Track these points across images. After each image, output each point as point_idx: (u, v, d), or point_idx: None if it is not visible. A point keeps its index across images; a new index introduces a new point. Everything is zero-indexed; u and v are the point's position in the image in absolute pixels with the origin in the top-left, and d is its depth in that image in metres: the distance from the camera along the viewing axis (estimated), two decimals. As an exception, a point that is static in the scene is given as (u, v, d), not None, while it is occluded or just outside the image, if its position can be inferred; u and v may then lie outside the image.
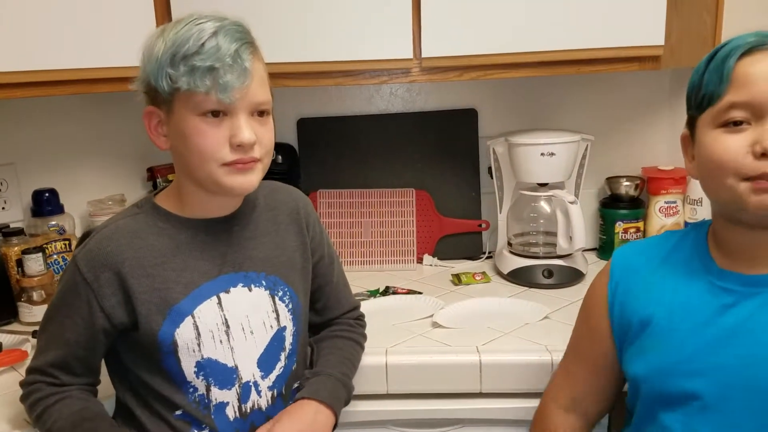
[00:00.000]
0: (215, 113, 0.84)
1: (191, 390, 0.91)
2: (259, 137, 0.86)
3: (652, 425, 0.88)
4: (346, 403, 1.02)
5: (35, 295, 1.36)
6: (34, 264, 1.35)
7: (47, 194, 1.48)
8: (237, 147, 0.85)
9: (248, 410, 0.94)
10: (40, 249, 1.38)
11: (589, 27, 1.28)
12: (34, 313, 1.36)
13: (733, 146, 0.77)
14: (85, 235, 0.92)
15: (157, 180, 1.63)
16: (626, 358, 0.91)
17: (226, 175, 0.86)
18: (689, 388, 0.82)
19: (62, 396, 0.91)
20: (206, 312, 0.91)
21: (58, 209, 1.50)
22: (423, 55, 1.31)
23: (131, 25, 1.25)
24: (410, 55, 1.31)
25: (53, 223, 1.49)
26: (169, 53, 0.82)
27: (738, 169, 0.76)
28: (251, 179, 0.88)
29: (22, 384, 0.94)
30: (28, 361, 1.02)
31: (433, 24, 1.29)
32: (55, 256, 1.45)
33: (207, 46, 0.81)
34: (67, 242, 1.48)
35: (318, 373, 1.01)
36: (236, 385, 0.93)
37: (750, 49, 0.77)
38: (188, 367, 0.90)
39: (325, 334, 1.09)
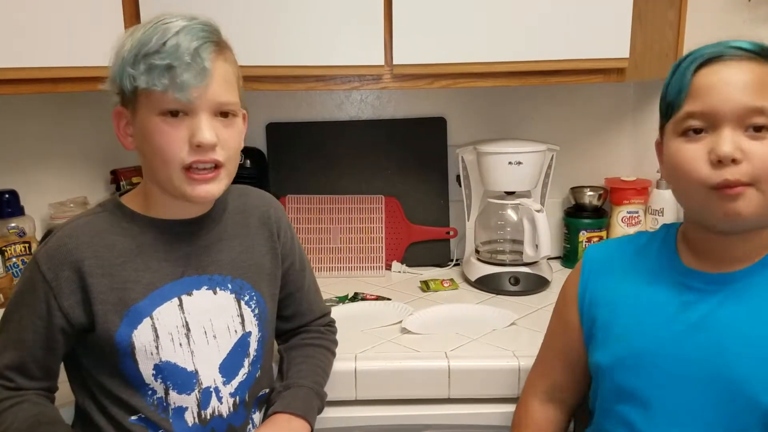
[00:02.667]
0: (174, 113, 0.83)
1: (149, 392, 0.90)
2: (222, 139, 0.85)
3: (611, 420, 0.90)
4: (320, 412, 1.02)
5: (-8, 299, 1.32)
6: (-8, 267, 1.31)
7: (7, 195, 1.44)
8: (196, 147, 0.83)
9: (208, 416, 0.93)
10: (-1, 252, 1.34)
11: (556, 39, 1.31)
12: (-10, 317, 1.31)
13: (691, 154, 0.79)
14: (47, 234, 0.90)
15: (121, 183, 1.60)
16: (590, 350, 0.93)
17: (187, 183, 0.85)
18: (648, 381, 0.84)
19: (18, 400, 0.88)
20: (166, 314, 0.89)
21: (18, 211, 1.46)
22: (394, 62, 1.32)
23: (98, 24, 1.22)
24: (382, 62, 1.32)
25: (13, 225, 1.44)
26: (132, 52, 0.82)
27: (701, 179, 0.78)
28: (213, 189, 0.86)
29: None
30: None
31: (404, 32, 1.30)
32: (14, 259, 1.41)
33: (168, 44, 0.81)
34: (26, 245, 1.44)
35: (290, 386, 1.00)
36: (196, 390, 0.91)
37: (707, 60, 0.79)
38: (146, 370, 0.88)
39: (295, 342, 1.08)
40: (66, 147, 1.59)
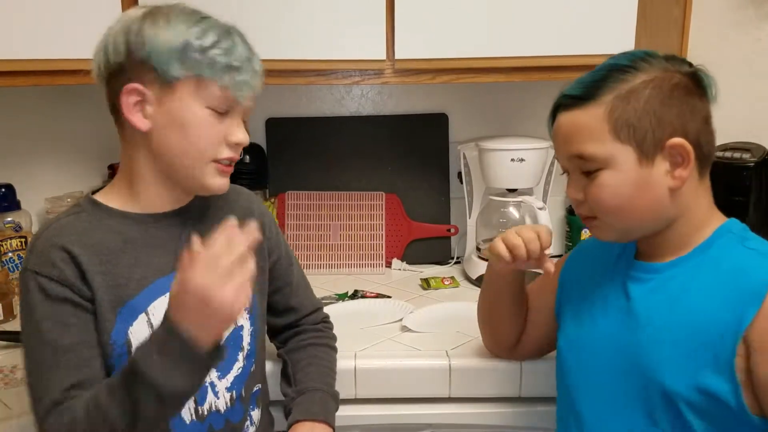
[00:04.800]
0: (221, 110, 0.85)
1: None
2: None
3: (563, 398, 0.97)
4: (335, 412, 1.01)
5: (-12, 295, 1.31)
6: (-12, 262, 1.30)
7: (3, 190, 1.44)
8: (234, 145, 0.87)
9: (205, 412, 0.91)
10: (-6, 246, 1.33)
11: (560, 35, 1.30)
12: (-14, 312, 1.30)
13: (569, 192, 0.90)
14: (31, 248, 0.86)
15: (120, 178, 1.59)
16: (558, 329, 0.99)
17: (213, 174, 0.87)
18: (584, 362, 0.91)
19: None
20: (160, 309, 0.87)
21: (15, 205, 1.45)
22: (396, 57, 1.31)
23: (97, 15, 1.20)
24: (383, 56, 1.31)
25: (9, 219, 1.43)
26: (181, 39, 0.81)
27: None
28: (228, 182, 0.90)
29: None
30: None
31: (406, 26, 1.29)
32: (10, 254, 1.40)
33: (224, 43, 0.83)
34: (22, 239, 1.43)
35: (303, 391, 0.99)
36: None
37: (553, 111, 0.88)
38: None
39: (296, 344, 1.07)
40: (63, 141, 1.58)
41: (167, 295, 0.86)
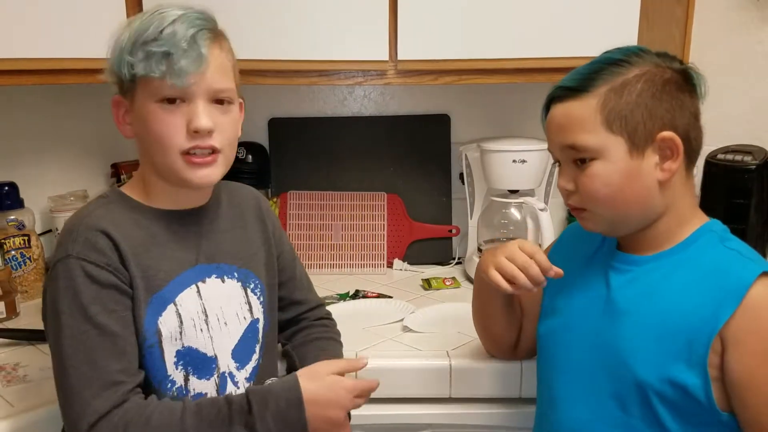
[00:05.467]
0: (171, 100, 0.84)
1: (169, 385, 0.89)
2: (219, 126, 0.86)
3: (542, 386, 0.98)
4: None
5: (-9, 292, 1.31)
6: (-9, 260, 1.31)
7: (7, 188, 1.43)
8: (194, 133, 0.84)
9: None
10: (-2, 244, 1.33)
11: (563, 36, 1.30)
12: (-11, 310, 1.31)
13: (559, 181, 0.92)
14: (69, 235, 0.85)
15: (122, 176, 1.59)
16: (540, 315, 1.01)
17: (186, 167, 0.86)
18: (563, 349, 0.93)
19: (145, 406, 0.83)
20: (187, 300, 0.89)
21: (18, 204, 1.45)
22: (399, 58, 1.31)
23: (100, 14, 1.21)
24: (386, 57, 1.31)
25: (12, 217, 1.43)
26: (130, 41, 0.83)
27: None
28: (210, 173, 0.88)
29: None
30: None
31: (409, 27, 1.29)
32: (13, 252, 1.40)
33: (165, 32, 0.82)
34: (25, 238, 1.43)
35: None
36: (215, 375, 0.92)
37: (548, 103, 0.88)
38: (170, 358, 0.88)
39: (303, 338, 1.07)
40: (66, 140, 1.58)
41: (192, 287, 0.90)
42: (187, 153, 0.85)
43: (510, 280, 0.90)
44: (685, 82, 0.84)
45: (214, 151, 0.86)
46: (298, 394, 0.84)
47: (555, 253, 1.04)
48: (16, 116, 1.50)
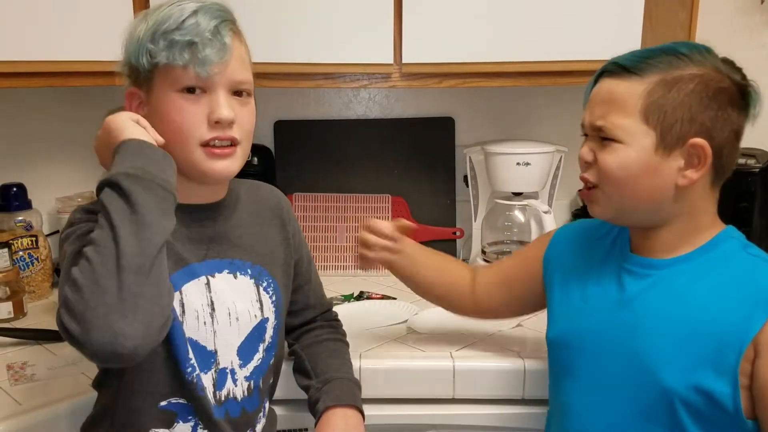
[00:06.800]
0: (192, 89, 0.83)
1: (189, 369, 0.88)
2: (239, 118, 0.86)
3: (557, 393, 0.97)
4: (361, 399, 1.02)
5: (0, 292, 1.33)
6: (0, 260, 1.31)
7: (15, 189, 1.45)
8: (215, 124, 0.84)
9: (222, 398, 0.92)
10: (6, 245, 1.34)
11: (566, 40, 1.31)
12: (-2, 309, 1.32)
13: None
14: (75, 209, 0.87)
15: (129, 178, 1.60)
16: (547, 321, 0.99)
17: (205, 159, 0.85)
18: (578, 357, 0.91)
19: None
20: (193, 291, 0.89)
21: (26, 205, 1.46)
22: (403, 61, 1.32)
23: (109, 17, 1.22)
24: (391, 60, 1.32)
25: (20, 218, 1.45)
26: (150, 31, 0.83)
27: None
28: (230, 165, 0.87)
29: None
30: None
31: (414, 30, 1.30)
32: (21, 253, 1.41)
33: (187, 22, 0.82)
34: (33, 238, 1.44)
35: (328, 380, 1.00)
36: (212, 370, 0.91)
37: (600, 75, 0.86)
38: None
39: (311, 339, 1.08)
40: (74, 141, 1.59)
41: (200, 279, 0.90)
42: (206, 144, 0.85)
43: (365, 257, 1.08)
44: (739, 97, 0.81)
45: (233, 143, 0.86)
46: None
47: (558, 246, 1.02)
48: (25, 118, 1.52)
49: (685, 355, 0.80)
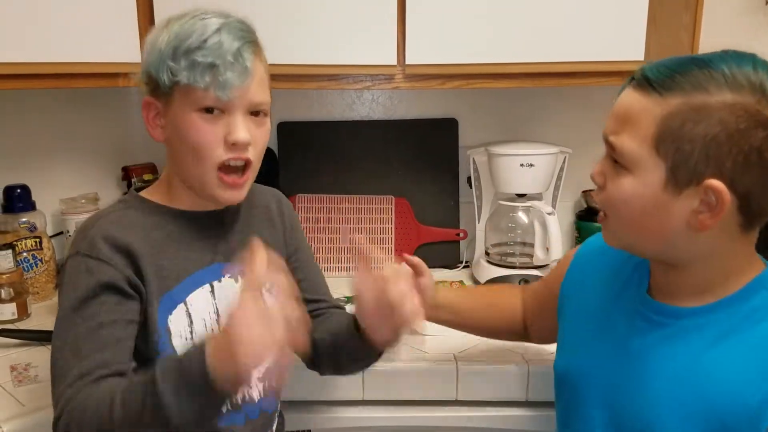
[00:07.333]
0: (210, 110, 0.84)
1: None
2: (254, 138, 0.86)
3: (576, 417, 0.90)
4: None
5: (3, 293, 1.32)
6: (4, 261, 1.32)
7: (19, 190, 1.45)
8: (231, 146, 0.85)
9: (239, 401, 0.93)
10: (10, 246, 1.34)
11: (570, 41, 1.30)
12: (2, 311, 1.32)
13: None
14: (82, 236, 0.86)
15: (132, 179, 1.61)
16: (556, 347, 0.96)
17: (218, 185, 0.86)
18: (575, 397, 0.87)
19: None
20: (198, 299, 0.90)
21: (30, 206, 1.47)
22: (407, 62, 1.31)
23: (112, 19, 1.23)
24: (394, 62, 1.32)
25: (24, 220, 1.45)
26: (171, 46, 0.83)
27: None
28: (239, 194, 0.89)
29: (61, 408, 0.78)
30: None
31: (417, 32, 1.30)
32: (24, 254, 1.42)
33: (210, 42, 0.82)
34: (37, 240, 1.44)
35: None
36: None
37: (629, 82, 0.75)
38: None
39: (320, 321, 1.04)
40: (78, 143, 1.60)
41: (205, 287, 0.90)
42: (221, 167, 0.85)
43: None
44: None
45: (247, 164, 0.87)
46: (202, 350, 0.71)
47: (574, 273, 0.95)
48: (29, 119, 1.52)
49: (685, 427, 0.73)
